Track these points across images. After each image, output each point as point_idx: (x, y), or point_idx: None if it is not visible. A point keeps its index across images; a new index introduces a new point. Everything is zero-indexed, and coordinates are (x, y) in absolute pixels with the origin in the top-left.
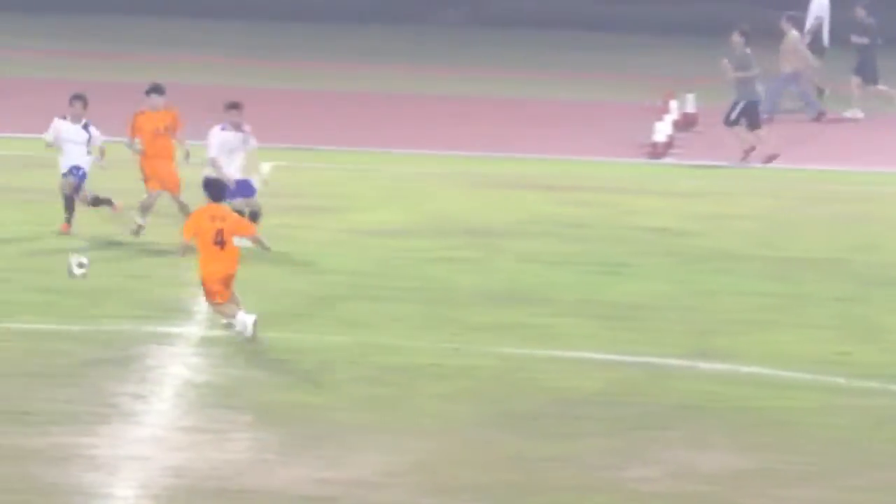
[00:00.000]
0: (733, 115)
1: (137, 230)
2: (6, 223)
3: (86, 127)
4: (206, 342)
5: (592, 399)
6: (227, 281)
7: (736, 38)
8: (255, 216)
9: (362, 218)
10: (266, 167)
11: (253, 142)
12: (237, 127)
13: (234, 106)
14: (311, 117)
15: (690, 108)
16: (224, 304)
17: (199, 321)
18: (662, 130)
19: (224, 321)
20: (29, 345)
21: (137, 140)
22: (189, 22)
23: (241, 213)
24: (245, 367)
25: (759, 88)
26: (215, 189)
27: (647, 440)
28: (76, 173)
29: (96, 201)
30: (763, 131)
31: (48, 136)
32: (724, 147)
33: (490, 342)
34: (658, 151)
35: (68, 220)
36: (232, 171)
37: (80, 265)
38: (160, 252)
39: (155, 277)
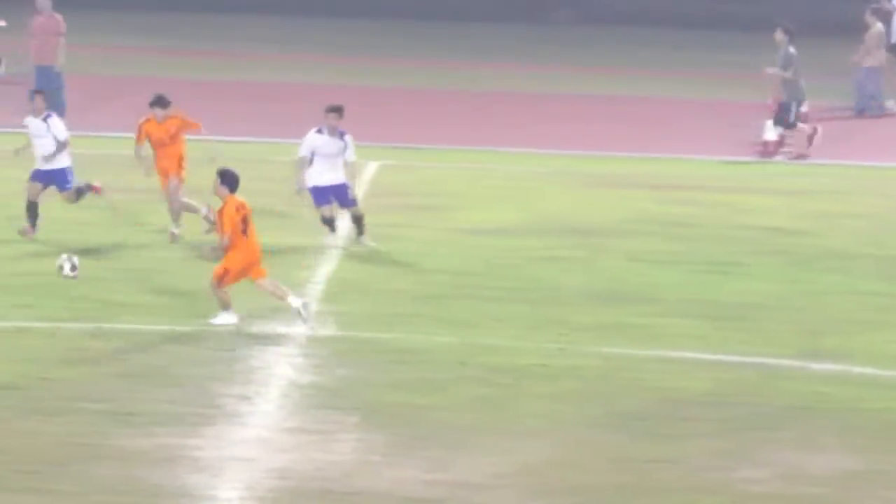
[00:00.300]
0: (791, 118)
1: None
2: (109, 224)
3: (45, 119)
4: (311, 342)
5: (700, 399)
6: (248, 268)
7: (779, 35)
8: (358, 220)
9: (468, 217)
10: (373, 166)
11: (350, 153)
12: (334, 132)
13: (334, 110)
14: (418, 116)
15: (802, 106)
16: (224, 292)
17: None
18: (773, 129)
19: (220, 307)
20: (134, 345)
21: (145, 146)
22: (301, 20)
23: (331, 217)
24: (351, 367)
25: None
26: (233, 180)
27: (756, 441)
28: (41, 178)
29: (79, 193)
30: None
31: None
32: (833, 145)
33: (596, 342)
34: (769, 150)
35: (32, 225)
36: (327, 177)
37: (73, 267)
38: (266, 252)
39: None
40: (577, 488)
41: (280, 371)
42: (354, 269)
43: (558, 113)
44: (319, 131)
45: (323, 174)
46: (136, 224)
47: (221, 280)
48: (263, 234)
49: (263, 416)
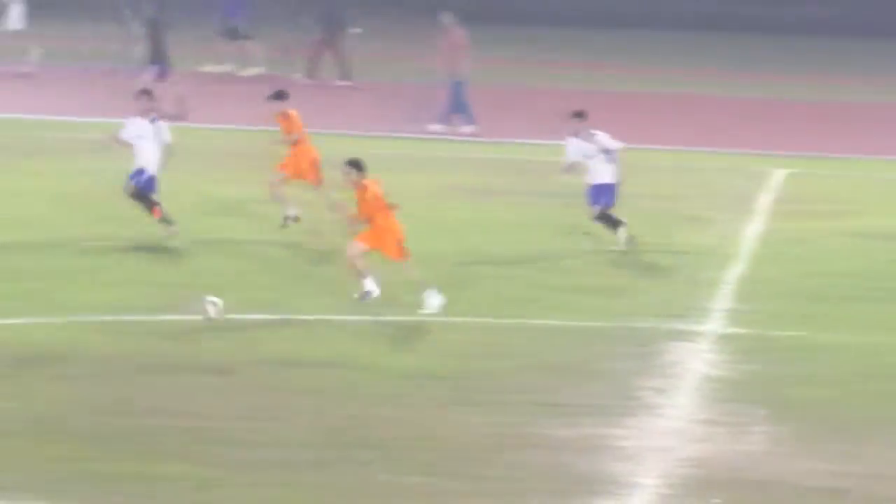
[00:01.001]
0: None
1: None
2: (507, 225)
3: (153, 121)
4: (723, 339)
5: None
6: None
7: None
8: (609, 219)
9: (869, 222)
10: (780, 173)
11: (612, 145)
12: (583, 134)
13: (576, 115)
14: (821, 127)
15: None
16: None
17: (716, 319)
18: None
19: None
20: (555, 340)
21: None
22: (680, 34)
23: (609, 217)
24: (759, 363)
25: None
26: (362, 164)
27: None
28: (138, 178)
29: (140, 196)
30: None
31: (123, 133)
32: None
33: None
34: None
35: (158, 206)
36: (599, 177)
37: (214, 304)
38: (677, 252)
39: (674, 277)
40: None
41: (693, 366)
42: (763, 271)
43: None
44: (574, 135)
45: (595, 175)
46: (533, 225)
47: (401, 253)
48: (676, 235)
49: (678, 409)
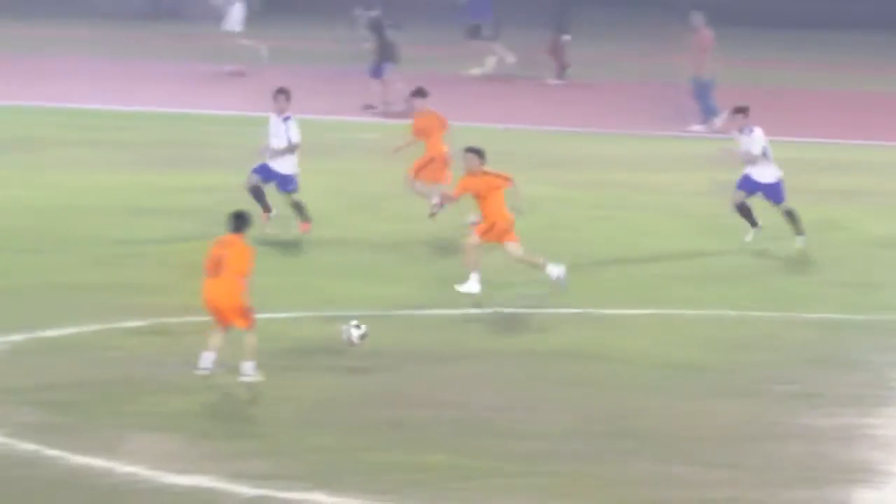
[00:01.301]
0: None
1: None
2: (764, 221)
3: (286, 120)
4: None
5: None
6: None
7: None
8: (791, 215)
9: None
10: None
11: (753, 147)
12: (743, 130)
13: (738, 110)
14: None
15: None
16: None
17: None
18: None
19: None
20: (818, 333)
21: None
22: None
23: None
24: None
25: None
26: (483, 152)
27: None
28: (262, 173)
29: (297, 207)
30: None
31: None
32: None
33: None
34: None
35: (266, 209)
36: (756, 172)
37: (361, 335)
38: None
39: None
40: None
41: None
42: None
43: None
44: (739, 131)
45: (752, 169)
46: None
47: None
48: None
49: None
